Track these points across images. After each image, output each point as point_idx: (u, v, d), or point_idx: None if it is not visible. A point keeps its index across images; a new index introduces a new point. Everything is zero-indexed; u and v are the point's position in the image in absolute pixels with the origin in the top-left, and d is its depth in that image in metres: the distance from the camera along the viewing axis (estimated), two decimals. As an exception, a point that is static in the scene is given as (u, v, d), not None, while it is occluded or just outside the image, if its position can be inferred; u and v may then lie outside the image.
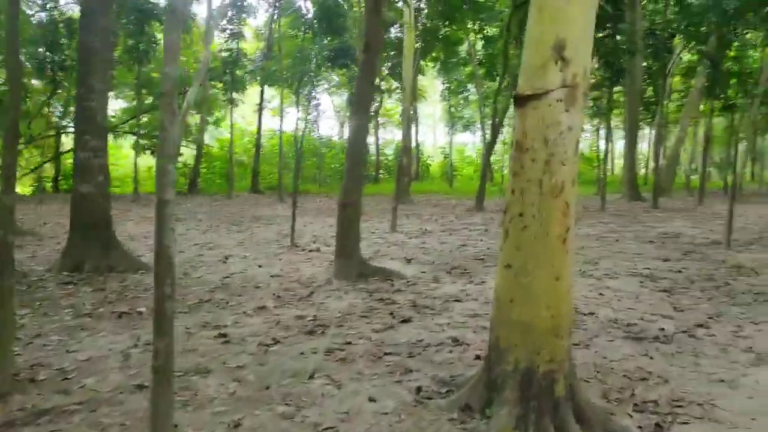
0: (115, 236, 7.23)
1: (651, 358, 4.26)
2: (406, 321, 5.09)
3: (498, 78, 15.93)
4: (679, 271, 7.67)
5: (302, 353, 4.13)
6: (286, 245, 9.40)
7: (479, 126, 34.36)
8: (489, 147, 16.69)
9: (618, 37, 16.83)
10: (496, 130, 16.46)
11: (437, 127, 52.69)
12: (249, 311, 5.33)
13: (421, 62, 28.30)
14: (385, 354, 4.19)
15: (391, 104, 36.04)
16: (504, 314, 3.27)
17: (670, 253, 9.29)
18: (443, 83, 30.19)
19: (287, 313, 5.28)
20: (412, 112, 32.82)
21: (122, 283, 6.38)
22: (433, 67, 29.15)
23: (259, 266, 7.60)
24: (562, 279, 3.18)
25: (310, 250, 9.00)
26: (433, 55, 27.72)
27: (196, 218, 13.23)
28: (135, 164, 18.46)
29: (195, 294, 6.00)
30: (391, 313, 5.33)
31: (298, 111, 18.74)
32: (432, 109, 47.20)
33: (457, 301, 5.89)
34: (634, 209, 17.43)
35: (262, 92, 22.44)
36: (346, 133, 29.71)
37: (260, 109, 22.64)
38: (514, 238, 3.23)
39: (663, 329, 4.98)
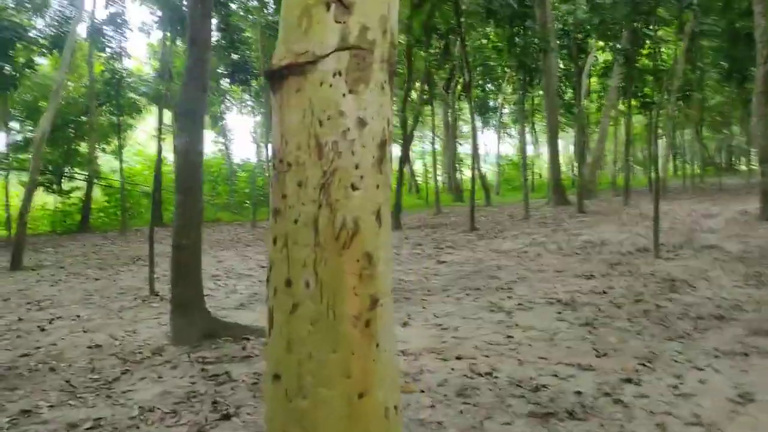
0: None
1: (560, 455, 2.91)
2: (227, 416, 3.58)
3: (405, 84, 14.74)
4: (604, 292, 6.50)
5: None
6: (143, 296, 7.71)
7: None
8: (402, 159, 15.46)
9: (533, 39, 16.03)
10: (407, 140, 15.27)
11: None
12: (4, 421, 3.69)
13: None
14: (157, 497, 2.67)
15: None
16: (276, 464, 1.82)
17: (595, 266, 8.18)
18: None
19: (60, 418, 3.67)
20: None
21: None
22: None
23: (85, 331, 5.91)
24: (370, 395, 1.76)
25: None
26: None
27: (59, 264, 11.28)
28: (6, 203, 16.17)
29: (-45, 391, 4.29)
30: (215, 403, 3.80)
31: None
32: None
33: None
34: (560, 215, 16.55)
35: (159, 115, 20.49)
36: (265, 155, 28.00)
37: (159, 133, 20.64)
38: (282, 328, 1.80)
39: (580, 392, 3.68)
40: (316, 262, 1.72)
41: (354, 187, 1.73)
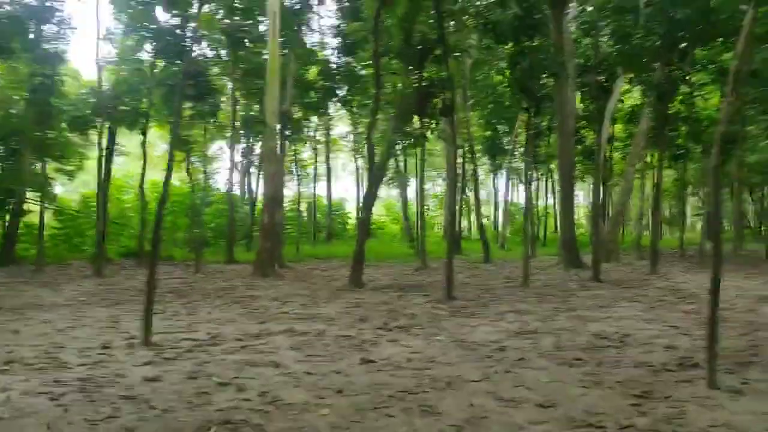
0: None
1: None
2: None
3: (372, 103, 11.69)
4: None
5: None
6: None
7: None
8: (368, 198, 12.19)
9: (541, 58, 12.97)
10: (376, 174, 12.06)
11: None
12: None
13: (329, 104, 24.35)
14: None
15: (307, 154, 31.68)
16: None
17: (608, 398, 4.80)
18: (354, 128, 26.10)
19: None
20: (324, 163, 28.60)
21: None
22: (342, 108, 25.15)
23: None
24: None
25: None
26: (341, 95, 23.71)
27: None
28: None
29: None
30: None
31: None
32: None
33: None
34: (569, 283, 13.14)
35: (109, 134, 17.64)
36: (254, 185, 24.91)
37: (108, 153, 17.76)
38: None
39: None
40: None
41: None
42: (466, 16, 11.61)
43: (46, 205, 16.52)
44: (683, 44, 15.44)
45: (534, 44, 11.96)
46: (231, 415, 4.37)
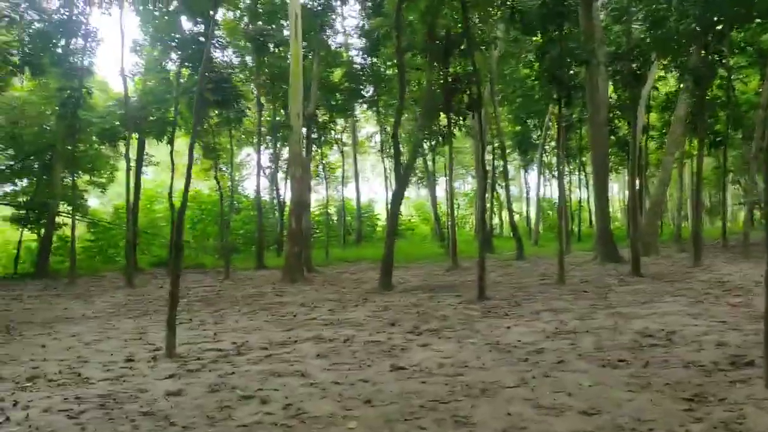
0: None
1: None
2: None
3: (397, 101, 11.39)
4: None
5: None
6: None
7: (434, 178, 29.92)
8: (396, 198, 11.90)
9: (571, 46, 12.53)
10: (404, 173, 11.77)
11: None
12: None
13: (355, 105, 24.16)
14: None
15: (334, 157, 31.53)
16: None
17: (657, 402, 4.43)
18: (381, 129, 25.85)
19: None
20: (352, 165, 28.43)
21: None
22: (368, 110, 24.94)
23: None
24: None
25: None
26: (367, 96, 23.50)
27: None
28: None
29: None
30: None
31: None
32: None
33: None
34: (607, 278, 12.62)
35: (139, 145, 17.83)
36: (284, 192, 24.95)
37: (138, 164, 17.95)
38: None
39: None
40: None
41: None
42: (492, 7, 11.27)
43: (78, 218, 16.67)
44: (719, 26, 14.79)
45: (563, 32, 11.53)
46: (253, 431, 4.16)
